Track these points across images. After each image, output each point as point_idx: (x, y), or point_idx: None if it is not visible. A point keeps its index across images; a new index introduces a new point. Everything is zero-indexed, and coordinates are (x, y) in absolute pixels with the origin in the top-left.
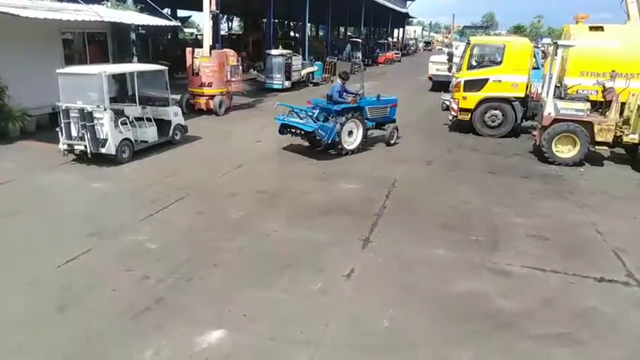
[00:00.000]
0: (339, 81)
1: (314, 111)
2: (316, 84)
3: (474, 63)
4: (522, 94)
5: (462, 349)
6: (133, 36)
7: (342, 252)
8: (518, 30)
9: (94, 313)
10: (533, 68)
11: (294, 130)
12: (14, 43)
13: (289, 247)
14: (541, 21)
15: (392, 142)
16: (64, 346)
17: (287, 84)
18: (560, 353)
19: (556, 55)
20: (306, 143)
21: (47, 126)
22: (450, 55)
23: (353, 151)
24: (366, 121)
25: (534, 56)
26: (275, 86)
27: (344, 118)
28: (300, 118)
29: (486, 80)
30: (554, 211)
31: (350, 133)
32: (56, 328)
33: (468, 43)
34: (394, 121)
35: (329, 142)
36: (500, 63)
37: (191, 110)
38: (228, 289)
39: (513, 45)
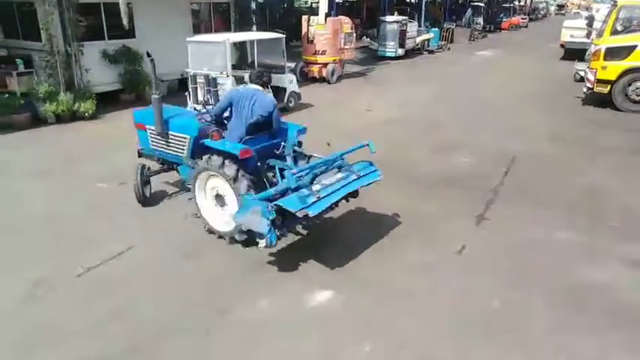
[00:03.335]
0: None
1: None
2: (431, 52)
3: (620, 28)
4: None
5: (581, 340)
6: (253, 5)
7: (453, 227)
8: None
9: (216, 262)
10: None
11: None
12: (151, 14)
13: (399, 217)
14: None
15: None
16: (191, 289)
17: (400, 52)
18: None
19: None
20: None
21: (176, 91)
22: (591, 19)
23: None
24: None
25: None
26: (388, 54)
27: None
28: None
29: (634, 47)
30: None
31: None
32: (183, 273)
33: (615, 5)
34: None
35: None
36: None
37: (304, 78)
38: (337, 253)
39: None
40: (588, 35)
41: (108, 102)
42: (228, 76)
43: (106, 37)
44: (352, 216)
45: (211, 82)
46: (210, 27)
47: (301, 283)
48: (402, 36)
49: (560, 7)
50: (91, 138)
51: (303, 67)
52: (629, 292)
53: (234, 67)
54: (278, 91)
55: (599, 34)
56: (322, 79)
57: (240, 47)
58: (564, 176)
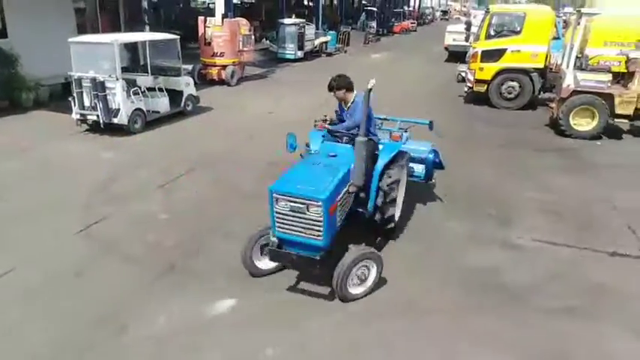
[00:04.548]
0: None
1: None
2: (329, 54)
3: (492, 32)
4: (541, 65)
5: (470, 320)
6: (144, 4)
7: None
8: None
9: (110, 279)
10: (554, 38)
11: None
12: (27, 11)
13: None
14: None
15: None
16: (81, 311)
17: (299, 54)
18: (569, 326)
19: (578, 24)
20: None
21: (60, 96)
22: (469, 25)
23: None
24: None
25: (555, 26)
26: (287, 56)
27: None
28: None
29: (504, 50)
30: (569, 186)
31: None
32: (74, 294)
33: (487, 12)
34: None
35: None
36: (519, 32)
37: (203, 80)
38: (238, 260)
39: (534, 14)
40: (467, 39)
41: None
42: (117, 79)
43: None
44: (252, 216)
45: (99, 87)
46: (97, 27)
47: (200, 292)
48: (301, 38)
49: (445, 12)
50: None
51: (202, 70)
52: (507, 272)
53: (125, 69)
54: (175, 95)
55: (476, 39)
56: (222, 82)
57: (131, 49)
58: (447, 169)
